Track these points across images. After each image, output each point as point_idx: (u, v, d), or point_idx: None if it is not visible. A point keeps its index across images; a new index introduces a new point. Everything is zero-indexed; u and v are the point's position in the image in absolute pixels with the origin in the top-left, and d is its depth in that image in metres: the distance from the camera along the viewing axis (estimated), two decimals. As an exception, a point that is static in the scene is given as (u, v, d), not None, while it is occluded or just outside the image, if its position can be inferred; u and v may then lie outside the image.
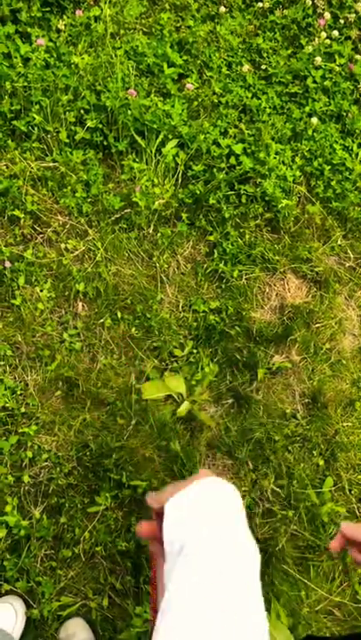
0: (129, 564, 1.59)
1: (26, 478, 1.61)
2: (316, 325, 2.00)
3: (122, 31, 2.16)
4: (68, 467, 1.65)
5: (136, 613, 1.52)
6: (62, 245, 1.87)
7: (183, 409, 1.79)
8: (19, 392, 1.69)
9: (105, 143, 1.99)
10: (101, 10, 2.12)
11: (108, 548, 1.59)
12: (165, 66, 2.10)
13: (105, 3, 2.14)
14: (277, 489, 1.78)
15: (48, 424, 1.70)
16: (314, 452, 1.84)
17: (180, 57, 2.15)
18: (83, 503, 1.62)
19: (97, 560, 1.60)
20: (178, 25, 2.25)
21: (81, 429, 1.70)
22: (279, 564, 1.71)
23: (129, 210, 1.94)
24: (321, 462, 1.83)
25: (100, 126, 1.97)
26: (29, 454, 1.64)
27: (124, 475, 1.66)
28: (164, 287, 1.94)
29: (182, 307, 1.93)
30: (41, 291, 1.79)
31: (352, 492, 1.83)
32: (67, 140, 1.94)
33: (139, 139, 1.98)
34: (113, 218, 1.93)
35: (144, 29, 2.22)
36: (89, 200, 1.93)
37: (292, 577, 1.72)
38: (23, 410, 1.68)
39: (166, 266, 1.95)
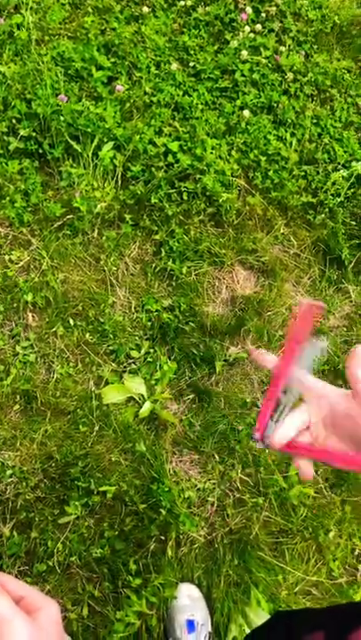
0: (106, 570, 1.58)
1: (-9, 497, 1.58)
2: (268, 314, 2.03)
3: (46, 37, 2.14)
4: (35, 480, 1.63)
5: (117, 618, 1.51)
6: (6, 257, 1.84)
7: (145, 409, 1.78)
8: (-24, 410, 1.66)
9: (40, 151, 1.97)
10: (23, 17, 2.10)
11: (82, 556, 1.58)
12: (94, 69, 2.10)
13: (27, 10, 2.12)
14: (246, 478, 1.80)
15: (9, 439, 1.67)
16: (277, 438, 1.87)
17: (108, 59, 2.15)
18: (53, 515, 1.60)
19: (73, 570, 1.58)
20: (102, 28, 2.24)
21: (43, 441, 1.68)
22: (255, 551, 1.73)
23: (71, 216, 1.93)
24: (285, 447, 1.86)
25: (34, 134, 1.95)
26: (-7, 472, 1.61)
27: (92, 481, 1.65)
28: (114, 290, 1.93)
29: (135, 308, 1.93)
30: (-11, 305, 1.76)
31: (318, 473, 1.87)
32: (1, 151, 1.91)
33: (74, 144, 1.96)
34: (55, 225, 1.92)
35: (69, 34, 2.21)
36: (29, 209, 1.90)
37: (269, 562, 1.74)
38: (-18, 428, 1.64)
39: (115, 268, 1.95)
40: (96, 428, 1.73)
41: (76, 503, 1.61)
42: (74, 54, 2.10)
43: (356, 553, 1.82)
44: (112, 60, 2.17)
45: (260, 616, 1.64)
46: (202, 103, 2.21)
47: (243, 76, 2.30)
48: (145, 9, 2.31)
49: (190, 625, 1.55)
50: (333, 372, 2.02)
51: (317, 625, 0.88)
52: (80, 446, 1.70)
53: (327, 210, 2.20)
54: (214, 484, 1.77)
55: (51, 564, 1.55)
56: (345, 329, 2.10)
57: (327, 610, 1.01)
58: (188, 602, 1.60)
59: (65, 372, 1.77)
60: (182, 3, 2.39)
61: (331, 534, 1.80)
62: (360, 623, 0.82)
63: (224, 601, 1.65)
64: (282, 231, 2.17)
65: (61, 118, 1.94)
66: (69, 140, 1.96)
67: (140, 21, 2.32)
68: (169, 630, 1.58)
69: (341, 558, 1.79)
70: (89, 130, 1.97)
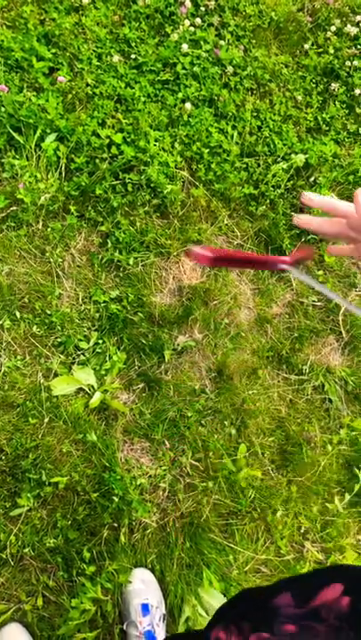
0: (60, 560, 1.59)
1: None
2: (214, 303, 2.08)
3: (-16, 26, 2.10)
4: (-16, 474, 1.62)
5: (72, 606, 1.52)
6: None
7: (95, 400, 1.80)
8: None
9: (-19, 142, 1.93)
10: None
11: (36, 547, 1.58)
12: (34, 60, 2.07)
13: None
14: (196, 463, 1.84)
15: None
16: (225, 423, 1.92)
17: (49, 50, 2.13)
18: (4, 508, 1.60)
19: (26, 562, 1.58)
20: (42, 18, 2.22)
21: (-7, 435, 1.67)
22: (205, 533, 1.77)
23: (15, 208, 1.91)
24: (233, 431, 1.92)
25: (-26, 125, 1.92)
26: None
27: (44, 473, 1.65)
28: (61, 282, 1.93)
29: (82, 299, 1.93)
30: None
31: (265, 455, 1.93)
32: None
33: (16, 135, 1.94)
34: (-1, 217, 1.89)
35: (7, 23, 2.17)
36: (-29, 201, 1.87)
37: (220, 544, 1.79)
38: None
39: (61, 260, 1.94)
40: (46, 419, 1.73)
41: (28, 495, 1.61)
42: (13, 44, 2.07)
43: (302, 530, 1.90)
44: (53, 50, 2.15)
45: (212, 596, 1.69)
46: (144, 95, 2.22)
47: (184, 69, 2.32)
48: (85, 0, 2.30)
49: (145, 608, 1.58)
50: (278, 358, 2.09)
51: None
52: (30, 438, 1.69)
53: (268, 201, 2.27)
54: (165, 470, 1.80)
55: (4, 556, 1.55)
56: (287, 316, 2.18)
57: (266, 588, 1.05)
58: (142, 586, 1.63)
59: (13, 365, 1.76)
60: (122, -5, 2.39)
61: (278, 514, 1.87)
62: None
63: (177, 583, 1.69)
64: (225, 222, 2.22)
65: (2, 109, 1.92)
66: (11, 131, 1.94)
67: (80, 12, 2.30)
68: (124, 615, 1.60)
69: (288, 536, 1.87)
70: (31, 121, 1.95)
